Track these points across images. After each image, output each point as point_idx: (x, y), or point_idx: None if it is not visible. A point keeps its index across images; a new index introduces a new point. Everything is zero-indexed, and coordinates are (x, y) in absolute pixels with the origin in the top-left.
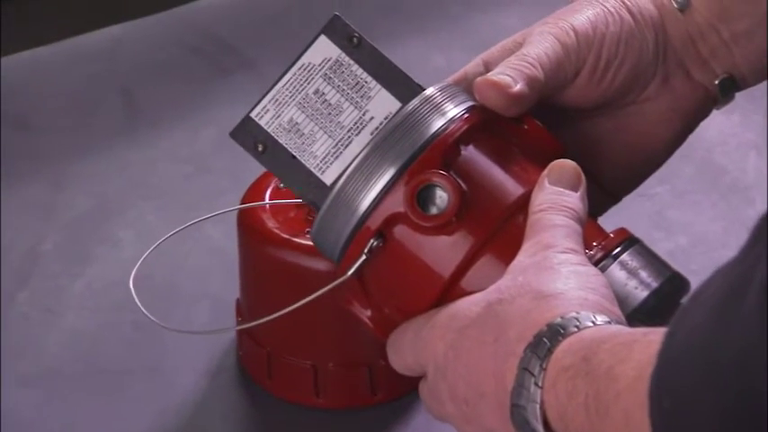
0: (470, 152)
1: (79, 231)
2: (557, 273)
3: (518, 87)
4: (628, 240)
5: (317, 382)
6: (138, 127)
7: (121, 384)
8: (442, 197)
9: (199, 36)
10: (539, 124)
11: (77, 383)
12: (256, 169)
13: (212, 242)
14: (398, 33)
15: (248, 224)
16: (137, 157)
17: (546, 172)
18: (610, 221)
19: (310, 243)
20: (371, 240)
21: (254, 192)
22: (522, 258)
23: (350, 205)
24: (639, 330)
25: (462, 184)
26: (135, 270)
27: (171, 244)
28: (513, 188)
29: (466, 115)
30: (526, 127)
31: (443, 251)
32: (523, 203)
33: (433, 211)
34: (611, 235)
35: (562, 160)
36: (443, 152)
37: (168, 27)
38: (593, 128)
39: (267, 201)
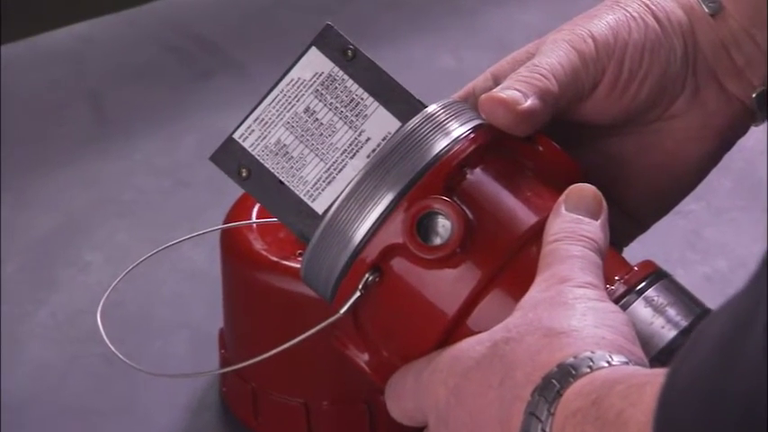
0: (477, 176)
1: (42, 253)
2: (571, 309)
3: (528, 103)
4: (654, 274)
5: (309, 422)
6: (109, 136)
7: (90, 425)
8: (444, 226)
9: (177, 34)
10: (554, 144)
11: (40, 424)
12: None
13: (192, 265)
14: (400, 31)
15: (233, 245)
16: (107, 169)
17: (562, 198)
18: (638, 244)
19: None
20: (367, 275)
21: (240, 209)
22: (533, 293)
23: (342, 236)
24: (656, 371)
25: (468, 212)
26: (104, 298)
27: (145, 268)
28: (524, 216)
29: (472, 135)
30: (540, 147)
31: (447, 286)
32: (536, 233)
33: (436, 241)
34: (636, 268)
35: (580, 184)
36: (446, 176)
37: (142, 24)
38: (615, 147)
39: (254, 219)
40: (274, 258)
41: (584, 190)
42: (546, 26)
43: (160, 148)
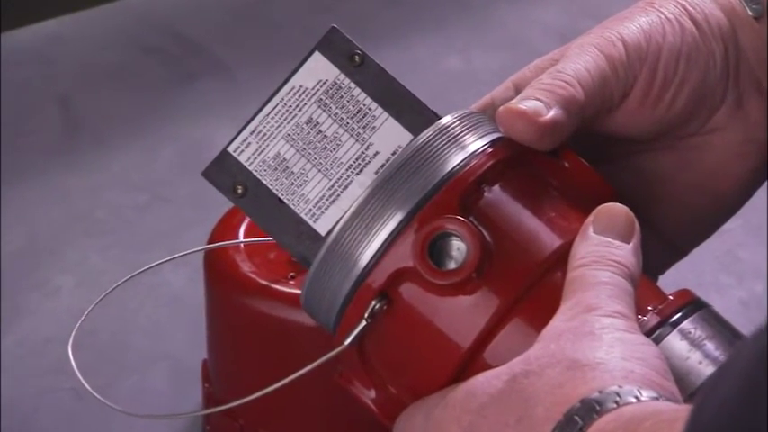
0: (495, 194)
1: (7, 276)
2: (598, 339)
3: (551, 114)
4: (691, 304)
5: None
6: (80, 146)
7: None
8: (459, 249)
9: (156, 33)
10: (580, 160)
11: None
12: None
13: (172, 290)
14: (403, 29)
15: (218, 268)
16: (78, 183)
17: (590, 218)
18: (669, 270)
19: (295, 291)
20: (373, 302)
21: (225, 227)
22: (557, 323)
23: (347, 260)
24: (687, 407)
25: (485, 233)
26: (76, 328)
27: (120, 292)
28: (548, 239)
29: (490, 150)
30: (565, 163)
31: (462, 316)
32: (561, 257)
33: (449, 265)
34: (671, 297)
35: (610, 204)
36: (461, 194)
37: (118, 22)
38: (649, 164)
39: (241, 239)
40: (264, 282)
41: (615, 210)
42: (566, 25)
43: (137, 159)
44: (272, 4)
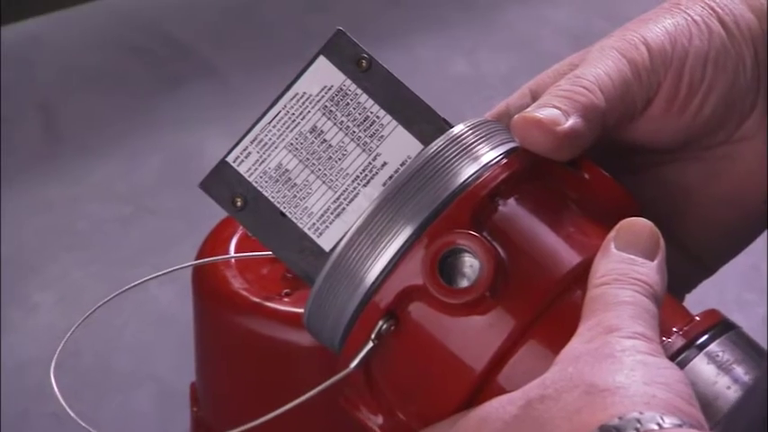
0: (510, 208)
1: None
2: (618, 362)
3: (569, 123)
4: (719, 325)
5: None
6: (61, 154)
7: None
8: (472, 266)
9: (141, 33)
10: (601, 171)
11: None
12: (218, 211)
13: (159, 307)
14: (405, 30)
15: (207, 284)
16: (58, 193)
17: (612, 234)
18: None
19: (289, 309)
20: (380, 322)
21: (215, 241)
22: (575, 344)
23: (352, 277)
24: None
25: (499, 249)
26: (59, 350)
27: (104, 309)
28: (566, 255)
29: (505, 160)
30: (585, 174)
31: (474, 337)
32: (580, 275)
33: (461, 283)
34: (698, 318)
35: (633, 219)
36: (474, 207)
37: (100, 22)
38: (674, 176)
39: (232, 254)
40: (256, 299)
41: (638, 225)
42: (579, 25)
43: (121, 168)
44: (265, 4)
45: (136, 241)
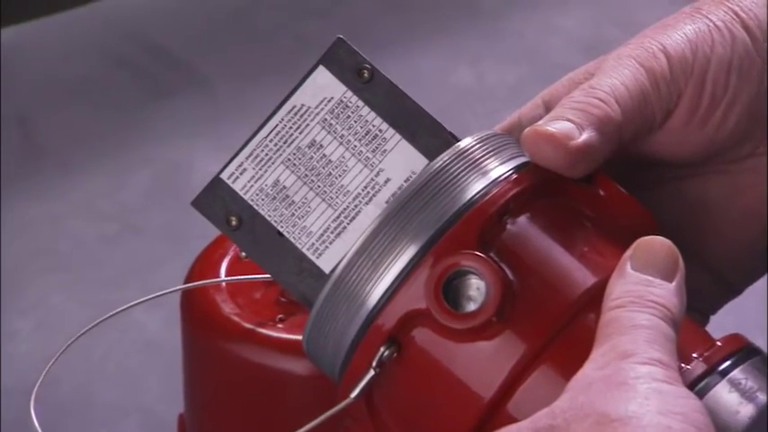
0: (519, 227)
1: None
2: (632, 390)
3: (583, 137)
4: (742, 351)
5: None
6: (41, 170)
7: None
8: (479, 288)
9: (127, 43)
10: (618, 187)
11: None
12: (208, 230)
13: (145, 334)
14: (406, 37)
15: (197, 309)
16: (39, 212)
17: (628, 253)
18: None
19: (284, 336)
20: (382, 348)
21: (205, 263)
22: (587, 371)
23: (352, 300)
24: None
25: (507, 271)
26: (38, 384)
27: (87, 335)
28: (580, 276)
29: (514, 176)
30: (600, 191)
31: (482, 363)
32: (594, 298)
33: (468, 307)
34: (719, 343)
35: (651, 238)
36: (481, 226)
37: (84, 30)
38: (696, 190)
39: (223, 276)
40: (249, 325)
41: (656, 245)
42: (591, 34)
43: (105, 185)
44: (258, 10)
45: (121, 262)
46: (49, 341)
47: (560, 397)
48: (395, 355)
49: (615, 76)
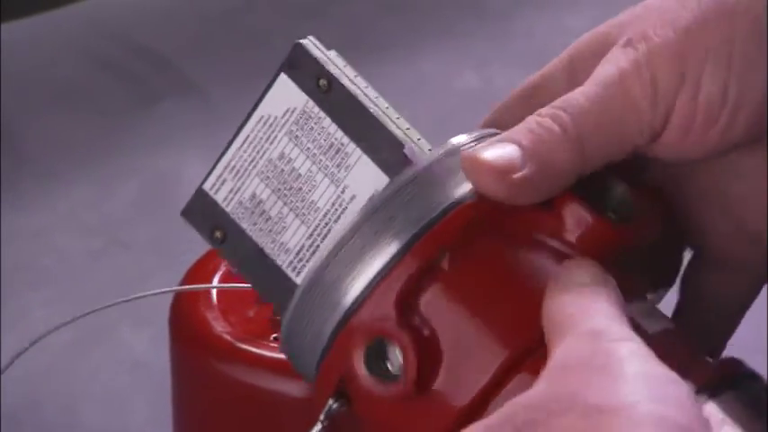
0: (450, 278)
1: None
2: (618, 375)
3: (526, 171)
4: (738, 377)
5: None
6: (22, 180)
7: None
8: (396, 353)
9: (114, 45)
10: (582, 204)
11: None
12: (198, 244)
13: (132, 354)
14: (408, 39)
15: (186, 327)
16: (19, 224)
17: (551, 283)
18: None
19: (278, 356)
20: (330, 402)
21: (195, 278)
22: (558, 356)
23: (300, 349)
24: None
25: (434, 332)
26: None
27: (71, 355)
28: (509, 336)
29: (450, 215)
30: (563, 211)
31: (414, 425)
32: (535, 350)
33: (395, 370)
34: (714, 366)
35: (573, 261)
36: (402, 288)
37: (67, 31)
38: (727, 166)
39: (214, 293)
40: (241, 345)
41: (576, 271)
42: None
43: (90, 196)
44: (251, 10)
45: (106, 277)
46: (29, 362)
47: (535, 386)
48: (344, 408)
49: (586, 90)
